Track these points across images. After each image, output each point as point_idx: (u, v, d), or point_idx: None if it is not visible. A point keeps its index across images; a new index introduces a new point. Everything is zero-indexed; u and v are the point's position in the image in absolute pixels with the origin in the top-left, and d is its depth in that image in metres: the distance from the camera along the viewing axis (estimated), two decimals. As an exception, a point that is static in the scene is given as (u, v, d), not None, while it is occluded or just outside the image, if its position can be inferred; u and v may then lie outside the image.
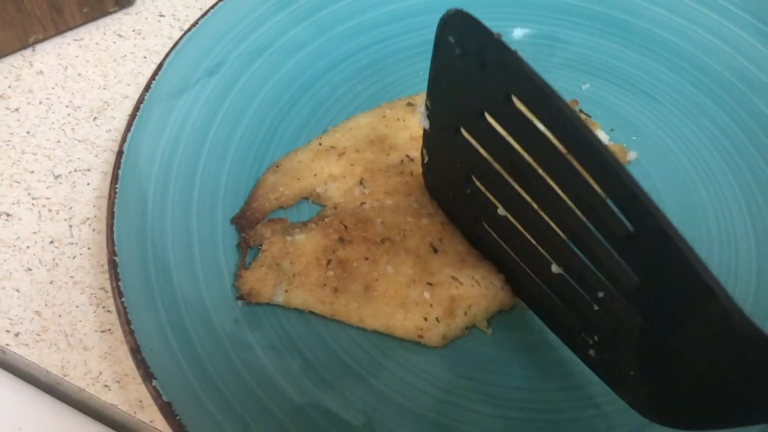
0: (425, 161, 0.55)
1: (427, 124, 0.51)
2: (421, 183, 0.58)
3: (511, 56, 0.40)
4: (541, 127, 0.41)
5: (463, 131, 0.48)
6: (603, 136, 0.61)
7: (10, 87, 0.67)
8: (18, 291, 0.56)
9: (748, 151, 0.61)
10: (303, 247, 0.54)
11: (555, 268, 0.47)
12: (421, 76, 0.66)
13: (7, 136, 0.64)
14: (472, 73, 0.44)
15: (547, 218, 0.45)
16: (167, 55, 0.61)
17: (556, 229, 0.45)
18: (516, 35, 0.69)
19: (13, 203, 0.60)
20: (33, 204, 0.60)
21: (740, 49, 0.66)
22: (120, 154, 0.56)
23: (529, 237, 0.49)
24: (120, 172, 0.55)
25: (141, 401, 0.52)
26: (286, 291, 0.53)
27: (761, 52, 0.65)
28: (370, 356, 0.52)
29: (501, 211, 0.49)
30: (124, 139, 0.56)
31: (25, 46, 0.69)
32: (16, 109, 0.65)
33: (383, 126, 0.61)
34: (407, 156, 0.59)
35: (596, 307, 0.45)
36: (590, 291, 0.45)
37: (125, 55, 0.70)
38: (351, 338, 0.52)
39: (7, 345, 0.54)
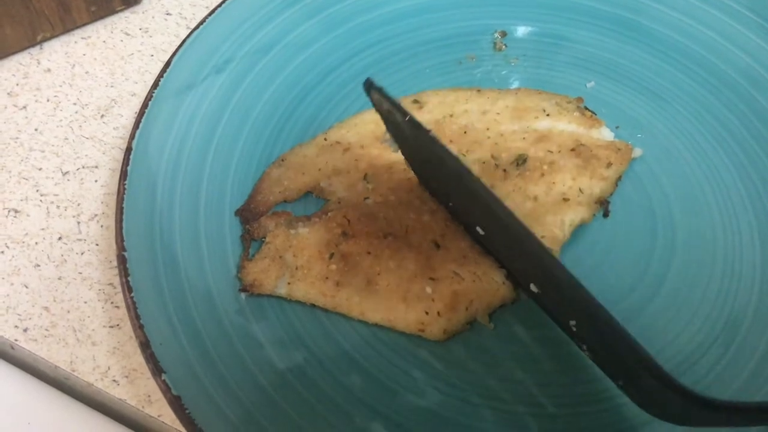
0: (413, 169, 0.57)
1: (396, 150, 0.55)
2: (422, 183, 0.59)
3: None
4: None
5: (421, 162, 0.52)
6: (608, 133, 0.61)
7: (18, 85, 0.67)
8: (27, 287, 0.57)
9: (752, 149, 0.62)
10: (306, 240, 0.55)
11: (533, 288, 0.48)
12: (426, 74, 0.66)
13: (15, 133, 0.64)
14: (404, 133, 0.48)
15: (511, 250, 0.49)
16: (175, 53, 0.62)
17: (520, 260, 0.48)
18: (521, 33, 0.69)
19: (22, 200, 0.61)
20: (41, 201, 0.61)
21: (745, 47, 0.66)
22: (128, 150, 0.56)
23: (505, 257, 0.52)
24: (128, 168, 0.55)
25: (149, 396, 0.52)
26: (289, 283, 0.53)
27: (766, 50, 0.65)
28: (374, 349, 0.52)
29: (479, 229, 0.51)
30: (132, 136, 0.57)
31: (33, 44, 0.70)
32: (24, 107, 0.66)
33: (388, 122, 0.61)
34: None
35: (573, 329, 0.46)
36: (563, 316, 0.47)
37: (132, 53, 0.70)
38: (355, 331, 0.53)
39: (16, 340, 0.54)
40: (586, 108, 0.63)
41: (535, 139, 0.60)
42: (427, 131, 0.44)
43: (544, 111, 0.62)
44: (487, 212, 0.45)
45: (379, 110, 0.50)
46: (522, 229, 0.41)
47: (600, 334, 0.43)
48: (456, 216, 0.55)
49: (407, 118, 0.45)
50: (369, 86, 0.48)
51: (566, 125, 0.61)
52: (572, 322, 0.45)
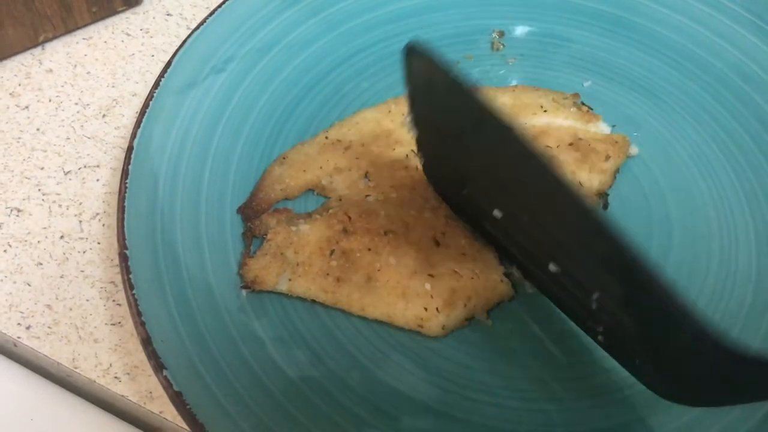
0: (425, 164, 0.56)
1: (414, 132, 0.53)
2: (426, 178, 0.58)
3: (461, 91, 0.43)
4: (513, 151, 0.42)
5: (447, 142, 0.49)
6: (605, 127, 0.61)
7: (20, 85, 0.68)
8: (29, 285, 0.57)
9: (748, 147, 0.62)
10: (307, 237, 0.55)
11: (552, 267, 0.47)
12: (425, 73, 0.66)
13: (17, 133, 0.65)
14: (439, 98, 0.46)
15: (536, 225, 0.47)
16: (176, 53, 0.62)
17: (549, 232, 0.46)
18: (518, 33, 0.69)
19: (24, 199, 0.61)
20: (43, 200, 0.61)
21: (740, 46, 0.67)
22: (130, 149, 0.56)
23: (523, 238, 0.50)
24: (130, 167, 0.55)
25: (150, 392, 0.53)
26: (290, 280, 0.54)
27: (761, 49, 0.66)
28: (373, 345, 0.53)
29: (496, 212, 0.50)
30: (133, 135, 0.57)
31: (35, 45, 0.70)
32: (27, 107, 0.66)
33: (389, 121, 0.62)
34: (412, 150, 0.59)
35: (594, 305, 0.46)
36: (585, 291, 0.46)
37: (133, 54, 0.71)
38: (355, 327, 0.53)
39: (19, 338, 0.55)
40: (583, 103, 0.63)
41: (533, 135, 0.60)
42: (475, 87, 0.42)
43: (542, 107, 0.62)
44: (521, 176, 0.44)
45: (413, 82, 0.49)
46: (564, 180, 0.39)
47: (634, 291, 0.41)
48: (464, 207, 0.55)
49: (453, 76, 0.43)
50: (413, 51, 0.46)
51: (564, 120, 0.61)
52: (595, 296, 0.45)
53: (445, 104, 0.47)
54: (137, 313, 0.49)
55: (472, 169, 0.50)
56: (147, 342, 0.48)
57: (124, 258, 0.51)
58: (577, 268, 0.45)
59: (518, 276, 0.55)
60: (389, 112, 0.62)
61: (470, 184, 0.51)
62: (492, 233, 0.54)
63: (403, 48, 0.46)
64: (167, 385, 0.47)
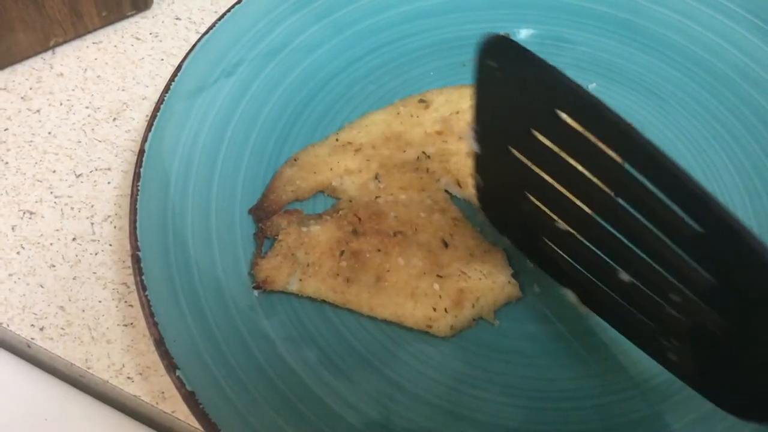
0: (480, 186, 0.55)
1: (477, 148, 0.51)
2: (435, 179, 0.59)
3: (552, 73, 0.41)
4: (592, 138, 0.41)
5: (512, 150, 0.48)
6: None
7: (31, 89, 0.68)
8: (42, 287, 0.58)
9: (750, 147, 0.62)
10: (317, 238, 0.56)
11: (623, 276, 0.46)
12: (431, 76, 0.67)
13: (29, 136, 0.65)
14: (515, 93, 0.44)
15: (609, 227, 0.45)
16: (186, 57, 0.63)
17: (620, 236, 0.44)
18: (522, 36, 0.70)
19: (36, 202, 0.62)
20: (56, 202, 0.62)
21: (742, 47, 0.67)
22: (141, 152, 0.57)
23: (591, 247, 0.48)
24: (141, 170, 0.56)
25: (163, 392, 0.53)
26: (300, 280, 0.54)
27: (762, 50, 0.66)
28: (381, 345, 0.53)
29: (560, 224, 0.49)
30: (145, 138, 0.58)
31: (45, 49, 0.71)
32: (38, 111, 0.67)
33: (398, 123, 0.62)
34: (423, 153, 0.60)
35: (672, 311, 0.44)
36: (663, 295, 0.44)
37: (143, 58, 0.71)
38: (363, 327, 0.54)
39: (33, 339, 0.55)
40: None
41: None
42: (555, 68, 0.41)
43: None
44: (609, 168, 0.41)
45: (485, 78, 0.46)
46: (666, 157, 0.38)
47: (731, 273, 0.38)
48: (520, 226, 0.54)
49: (544, 61, 0.42)
50: (491, 44, 0.44)
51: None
52: (675, 297, 0.42)
53: (525, 97, 0.44)
54: (150, 314, 0.50)
55: (533, 175, 0.48)
56: (160, 342, 0.49)
57: (136, 259, 0.52)
58: (656, 267, 0.43)
59: (574, 299, 0.54)
60: (398, 114, 0.63)
61: (534, 194, 0.50)
62: (549, 253, 0.52)
63: (478, 43, 0.44)
64: (180, 385, 0.47)
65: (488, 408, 0.51)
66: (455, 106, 0.63)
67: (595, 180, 0.43)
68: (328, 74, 0.66)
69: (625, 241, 0.44)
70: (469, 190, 0.58)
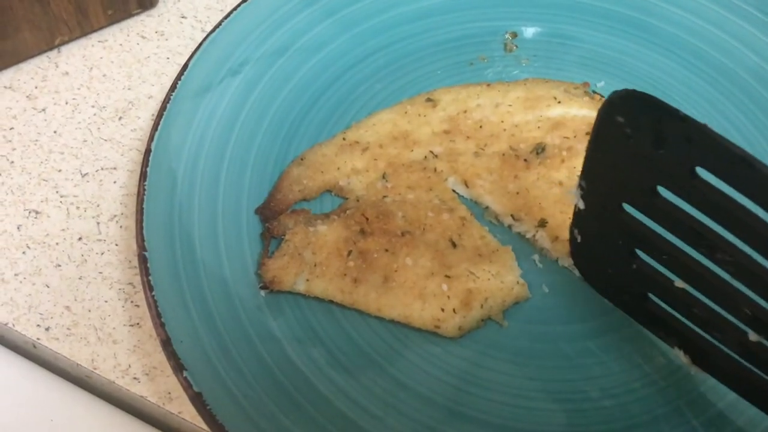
0: (578, 241, 0.53)
1: (582, 204, 0.50)
2: (443, 179, 0.59)
3: (699, 130, 0.39)
4: (736, 197, 0.39)
5: (626, 207, 0.46)
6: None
7: (36, 87, 0.68)
8: (48, 287, 0.57)
9: (762, 148, 0.62)
10: (325, 238, 0.56)
11: (753, 336, 0.43)
12: (439, 74, 0.67)
13: (35, 135, 0.65)
14: (644, 150, 0.42)
15: (739, 285, 0.43)
16: (192, 56, 0.63)
17: (752, 294, 0.42)
18: (531, 34, 0.70)
19: (42, 201, 0.61)
20: (61, 202, 0.61)
21: (753, 46, 0.67)
22: (147, 152, 0.57)
23: (715, 307, 0.45)
24: (148, 169, 0.56)
25: (169, 393, 0.53)
26: (308, 280, 0.54)
27: (773, 48, 0.66)
28: (389, 346, 0.53)
29: (679, 283, 0.47)
30: (151, 138, 0.57)
31: (51, 48, 0.70)
32: (44, 110, 0.67)
33: (405, 122, 0.62)
34: (431, 152, 0.60)
35: None
36: None
37: (149, 56, 0.71)
38: (371, 328, 0.54)
39: (38, 339, 0.55)
40: (594, 92, 0.64)
41: (550, 126, 0.61)
42: (704, 124, 0.39)
43: (555, 98, 0.63)
44: (744, 221, 0.40)
45: (608, 133, 0.44)
46: None
47: None
48: (626, 286, 0.51)
49: (682, 114, 0.40)
50: (622, 99, 0.42)
51: (578, 110, 0.62)
52: None
53: (658, 153, 0.42)
54: (157, 315, 0.50)
55: (653, 234, 0.46)
56: (167, 343, 0.49)
57: (143, 259, 0.52)
58: None
59: (686, 361, 0.50)
60: (405, 113, 0.63)
61: (647, 253, 0.48)
62: (658, 312, 0.50)
63: (606, 100, 0.43)
64: (187, 386, 0.47)
65: (497, 410, 0.51)
66: (463, 105, 0.63)
67: (731, 239, 0.41)
68: (334, 73, 0.66)
69: (763, 302, 0.42)
70: (476, 190, 0.58)
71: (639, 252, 0.48)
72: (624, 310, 0.53)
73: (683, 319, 0.48)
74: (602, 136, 0.45)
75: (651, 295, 0.50)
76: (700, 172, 0.40)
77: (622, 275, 0.50)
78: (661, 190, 0.43)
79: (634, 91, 0.41)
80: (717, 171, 0.39)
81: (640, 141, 0.42)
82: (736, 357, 0.46)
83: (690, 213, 0.43)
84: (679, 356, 0.50)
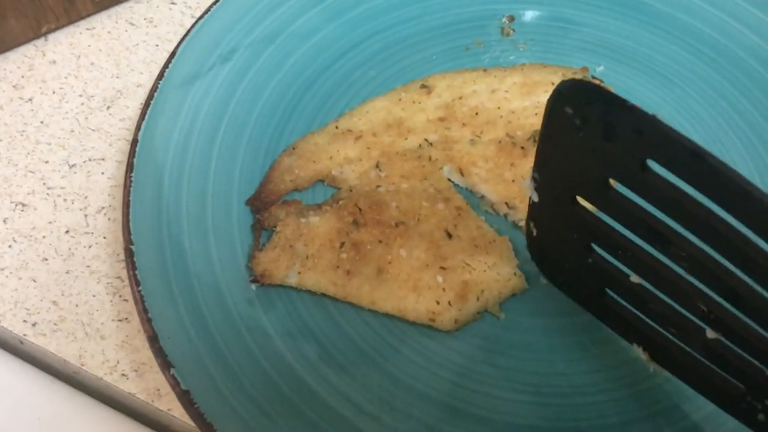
0: (534, 234, 0.52)
1: (536, 197, 0.49)
2: (438, 168, 0.58)
3: (649, 122, 0.38)
4: (689, 190, 0.38)
5: (580, 200, 0.46)
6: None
7: (23, 77, 0.67)
8: (35, 281, 0.57)
9: (763, 130, 0.61)
10: (317, 229, 0.55)
11: (710, 333, 0.43)
12: (433, 60, 0.66)
13: (21, 126, 0.64)
14: (595, 142, 0.41)
15: (695, 281, 0.42)
16: (180, 43, 0.62)
17: (708, 291, 0.41)
18: (529, 18, 0.69)
19: (29, 193, 0.60)
20: (48, 194, 0.60)
21: (754, 27, 0.66)
22: (135, 142, 0.56)
23: (672, 303, 0.45)
24: (135, 160, 0.55)
25: (158, 390, 0.52)
26: (299, 273, 0.53)
27: (776, 31, 0.65)
28: (383, 340, 0.52)
29: (634, 278, 0.46)
30: (138, 128, 0.57)
31: (37, 36, 0.69)
32: (30, 99, 0.66)
33: (399, 109, 0.61)
34: (425, 140, 0.59)
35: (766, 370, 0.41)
36: (756, 353, 0.41)
37: (137, 44, 0.70)
38: (365, 322, 0.53)
39: (25, 335, 0.54)
40: (593, 77, 0.63)
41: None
42: (653, 116, 0.38)
43: (553, 84, 0.61)
44: (699, 215, 0.39)
45: (555, 125, 0.43)
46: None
47: None
48: (584, 279, 0.50)
49: (630, 103, 0.39)
50: (569, 88, 0.41)
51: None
52: None
53: (608, 145, 0.41)
54: (144, 310, 0.49)
55: (607, 228, 0.45)
56: (154, 339, 0.48)
57: (129, 253, 0.51)
58: (748, 321, 0.40)
59: (645, 357, 0.49)
60: (399, 100, 0.62)
61: (602, 247, 0.47)
62: (614, 307, 0.49)
63: (554, 90, 0.42)
64: (175, 384, 0.47)
65: (494, 404, 0.50)
66: (458, 91, 0.62)
67: (685, 234, 0.41)
68: (327, 60, 0.65)
69: (719, 299, 0.41)
70: (472, 179, 0.57)
71: (594, 246, 0.48)
72: (582, 305, 0.52)
73: (640, 315, 0.48)
74: (552, 128, 0.44)
75: (608, 290, 0.49)
76: (652, 165, 0.39)
77: (579, 270, 0.50)
78: (614, 183, 0.43)
79: (581, 81, 0.40)
80: (668, 164, 0.38)
81: (589, 133, 0.41)
82: (695, 354, 0.45)
83: (643, 207, 0.42)
84: (638, 353, 0.49)
